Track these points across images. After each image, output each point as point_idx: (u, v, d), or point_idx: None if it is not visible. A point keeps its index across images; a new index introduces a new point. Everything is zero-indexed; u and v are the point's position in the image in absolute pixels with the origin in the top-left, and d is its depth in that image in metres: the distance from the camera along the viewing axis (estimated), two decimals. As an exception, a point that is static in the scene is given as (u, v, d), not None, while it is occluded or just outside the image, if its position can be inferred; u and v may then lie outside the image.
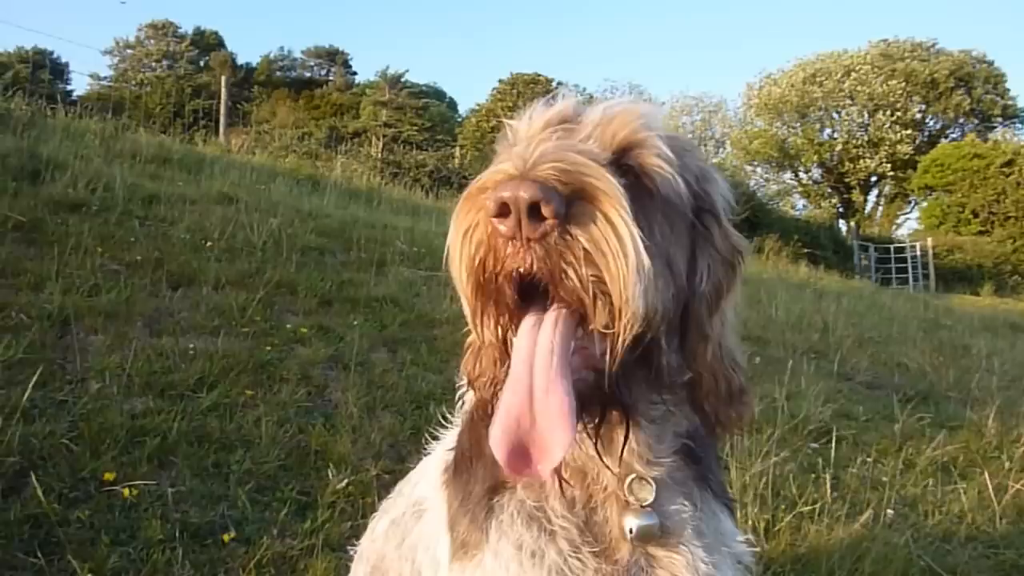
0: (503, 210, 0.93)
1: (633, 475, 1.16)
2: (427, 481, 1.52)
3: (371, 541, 1.69)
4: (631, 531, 1.16)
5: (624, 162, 1.10)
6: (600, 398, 1.06)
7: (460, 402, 1.47)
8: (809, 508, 3.43)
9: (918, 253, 26.55)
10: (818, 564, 3.01)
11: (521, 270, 0.96)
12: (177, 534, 2.53)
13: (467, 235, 0.99)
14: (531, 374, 1.00)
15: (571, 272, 0.94)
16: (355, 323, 4.62)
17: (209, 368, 3.61)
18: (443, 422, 1.65)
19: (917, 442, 4.78)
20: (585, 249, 0.93)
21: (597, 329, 0.99)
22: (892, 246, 27.95)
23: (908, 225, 37.81)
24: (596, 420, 1.09)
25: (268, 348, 3.99)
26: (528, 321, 1.04)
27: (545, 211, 0.91)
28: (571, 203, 0.93)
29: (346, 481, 3.00)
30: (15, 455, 2.66)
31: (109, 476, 2.69)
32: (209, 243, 5.14)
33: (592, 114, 1.15)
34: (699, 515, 1.21)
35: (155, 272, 4.45)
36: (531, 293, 1.02)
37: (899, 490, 3.99)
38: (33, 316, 3.64)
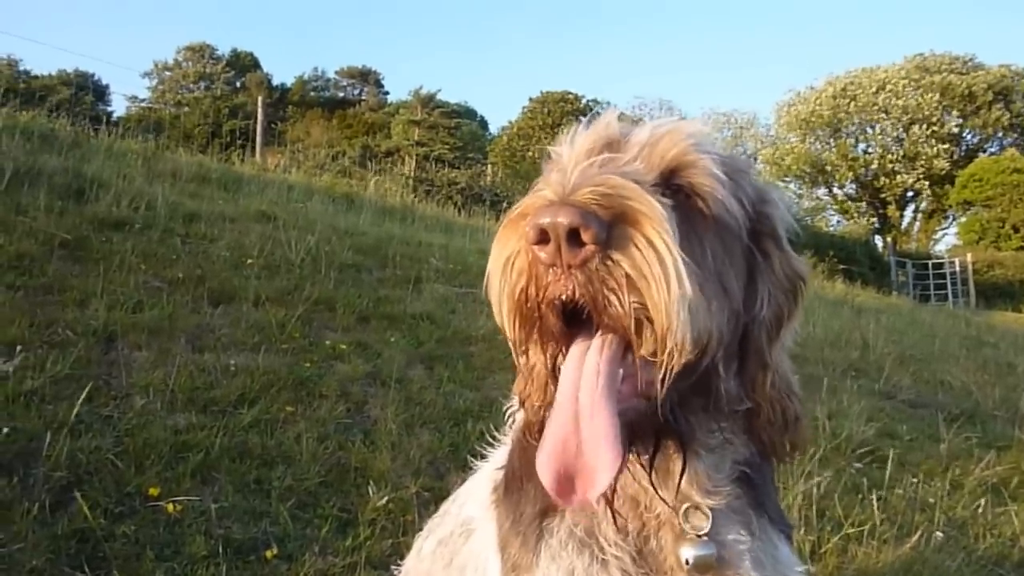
0: (543, 237, 0.91)
1: (689, 504, 1.13)
2: (475, 500, 1.50)
3: (418, 561, 1.68)
4: (688, 561, 1.13)
5: (673, 183, 1.07)
6: (654, 427, 1.03)
7: (510, 420, 1.45)
8: (855, 530, 3.35)
9: (957, 269, 26.04)
10: (866, 588, 2.93)
11: (563, 297, 0.94)
12: (220, 550, 2.54)
13: (508, 263, 0.97)
14: (576, 399, 0.99)
15: (613, 299, 0.92)
16: (392, 340, 4.63)
17: (250, 384, 3.64)
18: (481, 439, 1.64)
19: (964, 462, 4.66)
20: (627, 275, 0.91)
21: (644, 356, 0.96)
22: (930, 262, 27.46)
23: (946, 240, 37.17)
24: (651, 450, 1.06)
25: (307, 364, 4.02)
26: (576, 347, 1.02)
27: (585, 236, 0.89)
28: (612, 227, 0.91)
29: (386, 498, 3.00)
30: (62, 470, 2.70)
31: (154, 491, 2.71)
32: (249, 260, 5.20)
33: (639, 135, 1.13)
34: (757, 544, 1.17)
35: (196, 289, 4.51)
36: (578, 318, 1.00)
37: (948, 511, 3.89)
38: (79, 332, 3.71)
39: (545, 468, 0.97)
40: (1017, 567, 3.48)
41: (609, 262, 0.91)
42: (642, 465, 1.08)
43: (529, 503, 1.21)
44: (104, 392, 3.30)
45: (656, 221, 0.91)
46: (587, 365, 0.99)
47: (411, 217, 10.05)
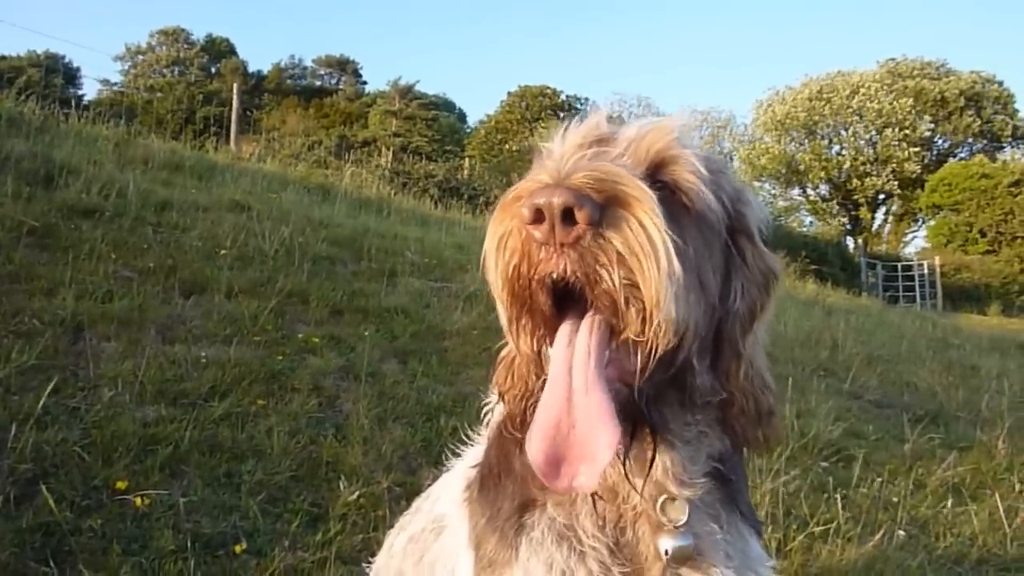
0: (537, 216, 0.95)
1: (665, 495, 1.15)
2: (447, 498, 1.51)
3: (388, 558, 1.68)
4: (667, 552, 1.15)
5: (658, 178, 1.11)
6: (631, 415, 1.06)
7: (485, 418, 1.46)
8: (821, 528, 3.40)
9: (925, 271, 26.50)
10: (831, 585, 2.99)
11: (555, 275, 0.97)
12: (189, 544, 2.52)
13: (502, 242, 1.01)
14: (570, 375, 1.01)
15: (604, 274, 0.96)
16: (366, 333, 4.62)
17: (221, 377, 3.61)
18: (454, 435, 1.65)
19: (927, 462, 4.76)
20: (618, 252, 0.95)
21: (630, 337, 0.99)
22: (899, 264, 27.91)
23: (916, 243, 37.78)
24: (627, 439, 1.08)
25: (280, 357, 3.99)
26: (564, 328, 1.05)
27: (579, 216, 0.93)
28: (604, 208, 0.95)
29: (357, 493, 3.00)
30: (28, 462, 2.66)
31: (121, 485, 2.68)
32: (222, 251, 5.15)
33: (627, 132, 1.16)
34: (728, 538, 1.20)
35: (168, 279, 4.46)
36: (566, 303, 1.03)
37: (910, 511, 3.97)
38: (46, 322, 3.65)
39: (537, 450, 0.99)
40: (976, 566, 3.57)
41: (601, 240, 0.95)
42: (617, 454, 1.10)
43: (507, 498, 1.23)
44: (71, 383, 3.26)
45: (647, 204, 0.95)
46: (579, 343, 1.02)
47: (387, 209, 9.99)
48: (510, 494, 1.21)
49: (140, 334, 3.83)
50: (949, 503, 4.10)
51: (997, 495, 4.24)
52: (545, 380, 1.06)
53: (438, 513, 1.52)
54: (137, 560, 2.42)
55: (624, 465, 1.11)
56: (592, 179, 0.95)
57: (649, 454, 1.11)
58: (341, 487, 3.02)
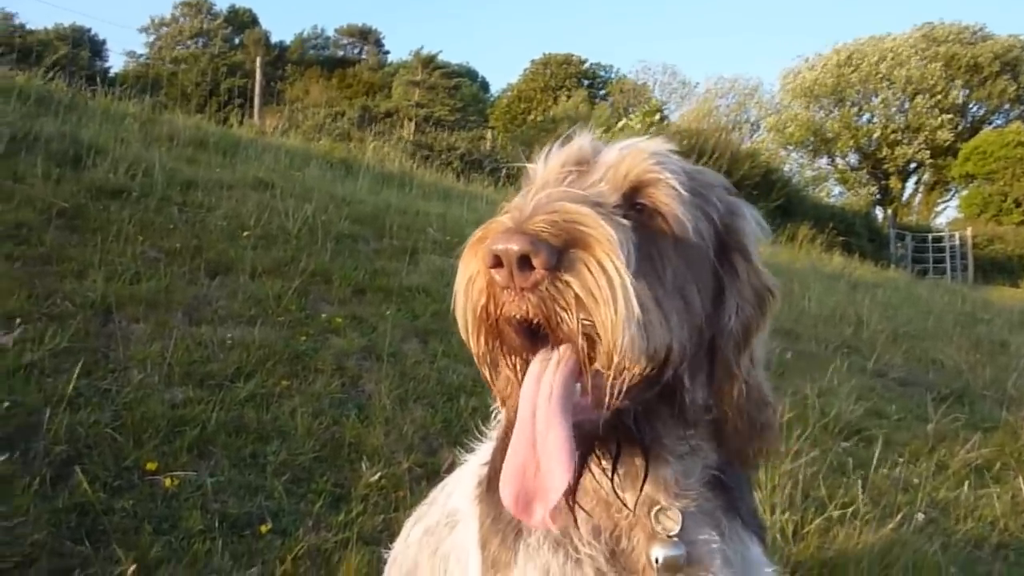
0: (497, 261, 0.97)
1: (659, 506, 1.18)
2: (461, 493, 1.55)
3: (405, 547, 1.73)
4: (657, 561, 1.18)
5: (636, 201, 1.12)
6: (616, 435, 1.09)
7: (494, 419, 1.49)
8: (839, 511, 3.42)
9: (957, 243, 26.03)
10: (846, 569, 3.01)
11: (518, 316, 1.01)
12: (216, 524, 2.60)
13: (469, 283, 1.04)
14: (533, 420, 1.04)
15: (565, 316, 0.98)
16: (387, 313, 4.67)
17: (246, 358, 3.68)
18: (474, 415, 1.68)
19: (950, 443, 4.73)
20: (577, 295, 0.96)
21: (598, 369, 1.02)
22: (930, 235, 27.42)
23: (947, 214, 37.09)
24: (612, 457, 1.11)
25: (303, 338, 4.06)
26: (534, 365, 1.07)
27: (535, 262, 0.95)
28: (563, 252, 0.97)
29: (379, 474, 3.06)
30: (62, 444, 2.75)
31: (151, 466, 2.77)
32: (246, 232, 5.21)
33: (608, 155, 1.17)
34: (728, 544, 1.22)
35: (193, 260, 4.53)
36: (538, 333, 1.06)
37: (931, 493, 3.96)
38: (77, 304, 3.74)
39: (506, 489, 1.04)
40: (995, 550, 3.56)
41: (560, 284, 0.97)
42: (605, 472, 1.13)
43: None
44: (102, 365, 3.34)
45: (606, 245, 0.97)
46: (543, 384, 1.05)
47: (409, 184, 10.01)
48: None
49: (167, 316, 3.91)
50: (971, 485, 4.09)
51: (1021, 477, 4.22)
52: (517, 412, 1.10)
53: (452, 508, 1.56)
54: (167, 539, 2.50)
55: (612, 481, 1.14)
56: (550, 223, 0.97)
57: (640, 469, 1.13)
58: (363, 468, 3.08)
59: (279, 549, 2.59)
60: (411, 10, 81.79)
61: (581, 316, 0.97)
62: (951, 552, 3.33)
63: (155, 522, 2.57)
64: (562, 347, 1.04)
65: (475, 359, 1.13)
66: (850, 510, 3.40)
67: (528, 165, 1.24)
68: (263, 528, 2.66)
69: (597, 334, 0.98)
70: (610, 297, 0.95)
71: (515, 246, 0.95)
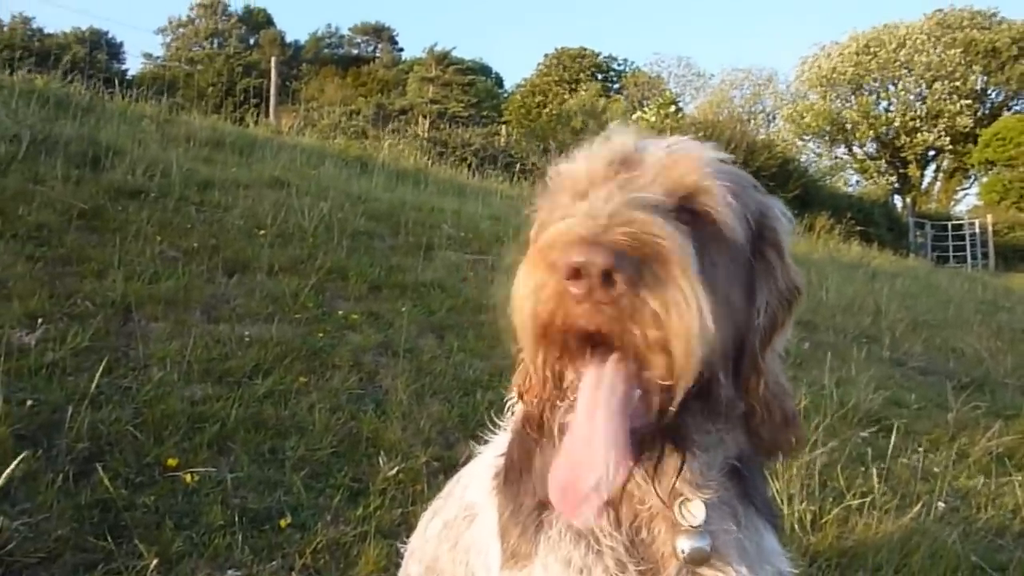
0: (576, 274, 0.95)
1: (683, 497, 1.19)
2: (477, 486, 1.56)
3: (423, 541, 1.75)
4: (683, 552, 1.18)
5: (689, 207, 1.12)
6: (660, 435, 1.10)
7: (509, 411, 1.50)
8: (858, 501, 3.40)
9: (977, 230, 25.72)
10: (865, 559, 2.99)
11: (590, 328, 0.99)
12: (236, 519, 2.63)
13: (536, 293, 1.01)
14: (592, 422, 1.04)
15: (637, 332, 0.97)
16: (403, 309, 4.69)
17: (264, 355, 3.72)
18: (491, 409, 1.69)
19: (971, 432, 4.69)
20: (654, 312, 0.95)
21: (655, 379, 1.02)
22: (950, 223, 27.12)
23: (967, 201, 36.67)
24: (655, 455, 1.12)
25: (320, 335, 4.09)
26: (592, 370, 1.06)
27: (618, 277, 0.93)
28: (642, 266, 0.95)
29: (396, 468, 3.08)
30: (84, 441, 2.79)
31: (172, 462, 2.80)
32: (262, 230, 5.25)
33: (654, 154, 1.16)
34: (744, 533, 1.23)
35: (211, 259, 4.58)
36: (597, 340, 1.04)
37: (951, 482, 3.93)
38: (98, 304, 3.79)
39: (555, 486, 1.05)
40: (1017, 538, 3.53)
41: (637, 300, 0.95)
42: (644, 469, 1.14)
43: (528, 495, 1.26)
44: (123, 364, 3.39)
45: (684, 261, 0.96)
46: (602, 391, 1.04)
47: (424, 180, 10.05)
48: (531, 491, 1.25)
49: (186, 314, 3.96)
50: (992, 474, 4.05)
51: (1042, 465, 4.18)
52: (564, 396, 1.10)
53: (469, 501, 1.57)
54: (188, 534, 2.53)
55: (652, 480, 1.15)
56: (630, 235, 0.95)
57: (673, 465, 1.13)
58: (381, 462, 3.10)
59: (298, 543, 2.62)
60: (425, 7, 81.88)
61: (655, 332, 0.96)
62: (972, 540, 3.30)
63: (176, 517, 2.60)
64: (619, 354, 1.03)
65: (529, 360, 1.12)
66: (869, 499, 3.39)
67: (564, 165, 1.22)
68: (283, 522, 2.69)
69: (668, 349, 0.97)
70: (687, 315, 0.94)
71: (600, 259, 0.93)
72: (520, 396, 1.28)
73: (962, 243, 25.49)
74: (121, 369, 3.35)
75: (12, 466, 2.29)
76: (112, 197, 5.12)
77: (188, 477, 2.76)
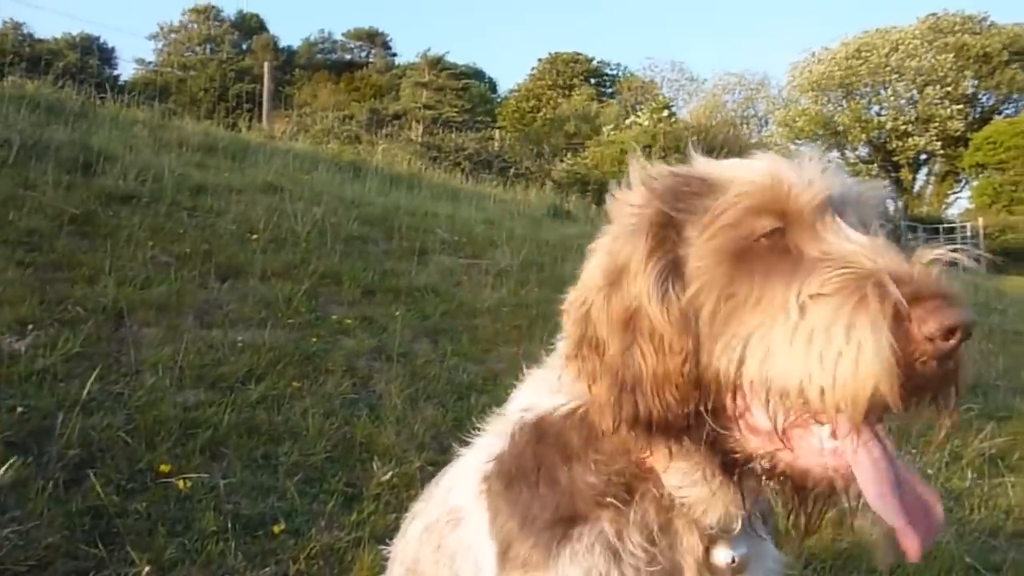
0: (951, 334, 0.91)
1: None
2: (462, 490, 1.52)
3: (405, 543, 1.73)
4: (733, 561, 1.17)
5: None
6: None
7: (510, 410, 1.44)
8: (853, 502, 3.39)
9: (968, 233, 25.87)
10: (860, 560, 3.00)
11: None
12: (230, 525, 2.61)
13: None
14: (894, 465, 1.07)
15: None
16: (397, 313, 4.68)
17: (257, 360, 3.70)
18: (485, 413, 1.65)
19: (964, 433, 4.69)
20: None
21: None
22: (941, 226, 27.27)
23: (959, 204, 36.85)
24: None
25: (314, 340, 4.08)
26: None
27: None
28: None
29: (390, 473, 3.07)
30: (76, 447, 2.77)
31: (164, 468, 2.79)
32: (255, 235, 5.24)
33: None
34: (746, 536, 1.22)
35: (204, 264, 4.56)
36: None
37: (944, 483, 3.94)
38: (89, 309, 3.77)
39: (905, 528, 1.03)
40: (1010, 538, 3.54)
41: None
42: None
43: (547, 509, 1.22)
44: (114, 370, 3.37)
45: None
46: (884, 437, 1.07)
47: (418, 185, 10.05)
48: (551, 505, 1.21)
49: (178, 319, 3.94)
50: (985, 475, 4.06)
51: (1035, 466, 4.19)
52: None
53: (453, 504, 1.54)
54: (181, 541, 2.51)
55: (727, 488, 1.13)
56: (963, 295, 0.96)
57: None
58: (375, 467, 3.09)
59: (292, 549, 2.60)
60: (418, 12, 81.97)
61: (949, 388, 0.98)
62: (966, 541, 3.31)
63: (169, 524, 2.58)
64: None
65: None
66: (863, 501, 3.38)
67: (783, 178, 1.09)
68: (276, 528, 2.68)
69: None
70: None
71: (971, 319, 0.92)
72: (588, 386, 1.16)
73: (954, 246, 25.56)
74: (113, 375, 3.33)
75: (2, 472, 2.27)
76: (104, 202, 5.10)
77: (181, 483, 2.74)
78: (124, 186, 5.48)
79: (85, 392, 3.02)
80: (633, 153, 1.22)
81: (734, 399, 1.04)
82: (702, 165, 1.16)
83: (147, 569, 2.29)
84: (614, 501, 1.16)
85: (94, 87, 11.10)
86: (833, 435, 1.04)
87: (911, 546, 1.00)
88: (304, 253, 5.20)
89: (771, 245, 1.02)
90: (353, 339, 4.21)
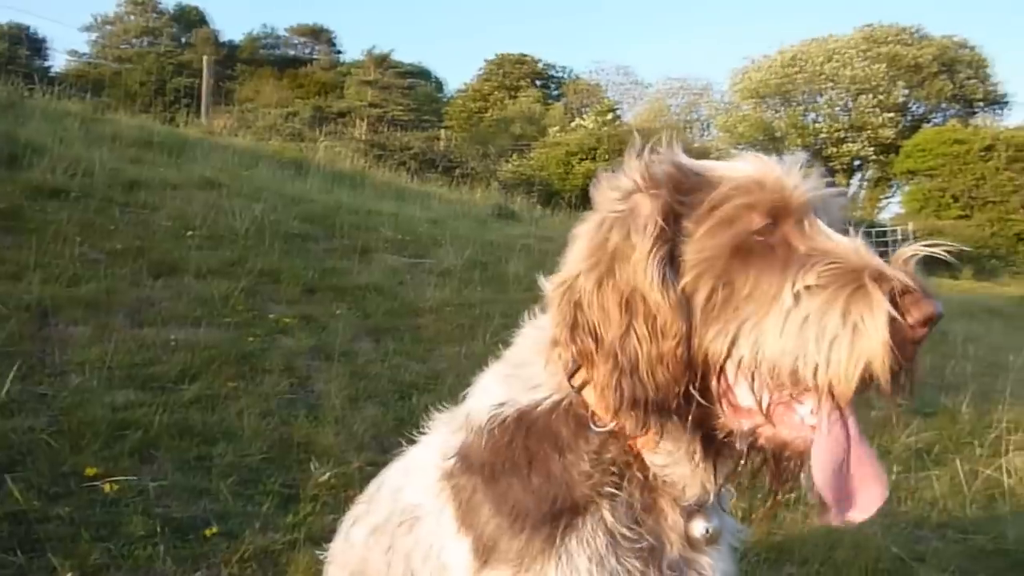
0: (927, 324, 1.05)
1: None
2: (417, 488, 1.49)
3: (348, 547, 1.68)
4: (706, 532, 1.24)
5: None
6: None
7: (473, 406, 1.40)
8: (786, 497, 3.47)
9: (899, 237, 26.80)
10: (792, 553, 3.07)
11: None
12: (159, 529, 2.53)
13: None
14: (857, 442, 1.18)
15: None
16: (339, 312, 4.62)
17: (191, 360, 3.61)
18: (427, 412, 1.63)
19: (892, 429, 4.86)
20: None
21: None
22: (874, 230, 28.19)
23: (891, 209, 38.11)
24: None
25: (251, 339, 4.00)
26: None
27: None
28: None
29: (329, 474, 3.02)
30: (-5, 451, 2.66)
31: (91, 471, 2.69)
32: (191, 231, 5.12)
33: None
34: (720, 512, 1.31)
35: (136, 261, 4.43)
36: None
37: (874, 477, 4.06)
38: (11, 307, 3.63)
39: (841, 496, 1.17)
40: (936, 529, 3.67)
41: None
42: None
43: (545, 500, 1.22)
44: (38, 370, 3.25)
45: None
46: (849, 417, 1.16)
47: (362, 183, 9.94)
48: (548, 497, 1.21)
49: (109, 318, 3.82)
50: (912, 468, 4.20)
51: (959, 460, 4.35)
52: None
53: (407, 504, 1.50)
54: (107, 546, 2.43)
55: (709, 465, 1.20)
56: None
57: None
58: (313, 468, 3.04)
59: (225, 551, 2.53)
60: (364, 10, 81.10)
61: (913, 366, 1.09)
62: (893, 532, 3.41)
63: (94, 528, 2.49)
64: None
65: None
66: (796, 495, 3.46)
67: (762, 174, 1.19)
68: (208, 531, 2.61)
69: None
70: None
71: (943, 311, 1.06)
72: (581, 357, 1.19)
73: (886, 249, 26.28)
74: (36, 375, 3.21)
75: (-87, 477, 2.16)
76: (30, 196, 4.91)
77: (108, 486, 2.66)
78: (53, 180, 5.29)
79: (5, 392, 2.90)
80: (631, 142, 1.24)
81: (719, 380, 1.12)
82: (693, 161, 1.23)
83: (70, 575, 2.20)
84: (610, 488, 1.20)
85: (22, 77, 10.67)
86: (812, 413, 1.14)
87: (827, 519, 1.16)
88: (242, 250, 5.09)
89: (764, 240, 1.10)
90: (292, 338, 4.14)
